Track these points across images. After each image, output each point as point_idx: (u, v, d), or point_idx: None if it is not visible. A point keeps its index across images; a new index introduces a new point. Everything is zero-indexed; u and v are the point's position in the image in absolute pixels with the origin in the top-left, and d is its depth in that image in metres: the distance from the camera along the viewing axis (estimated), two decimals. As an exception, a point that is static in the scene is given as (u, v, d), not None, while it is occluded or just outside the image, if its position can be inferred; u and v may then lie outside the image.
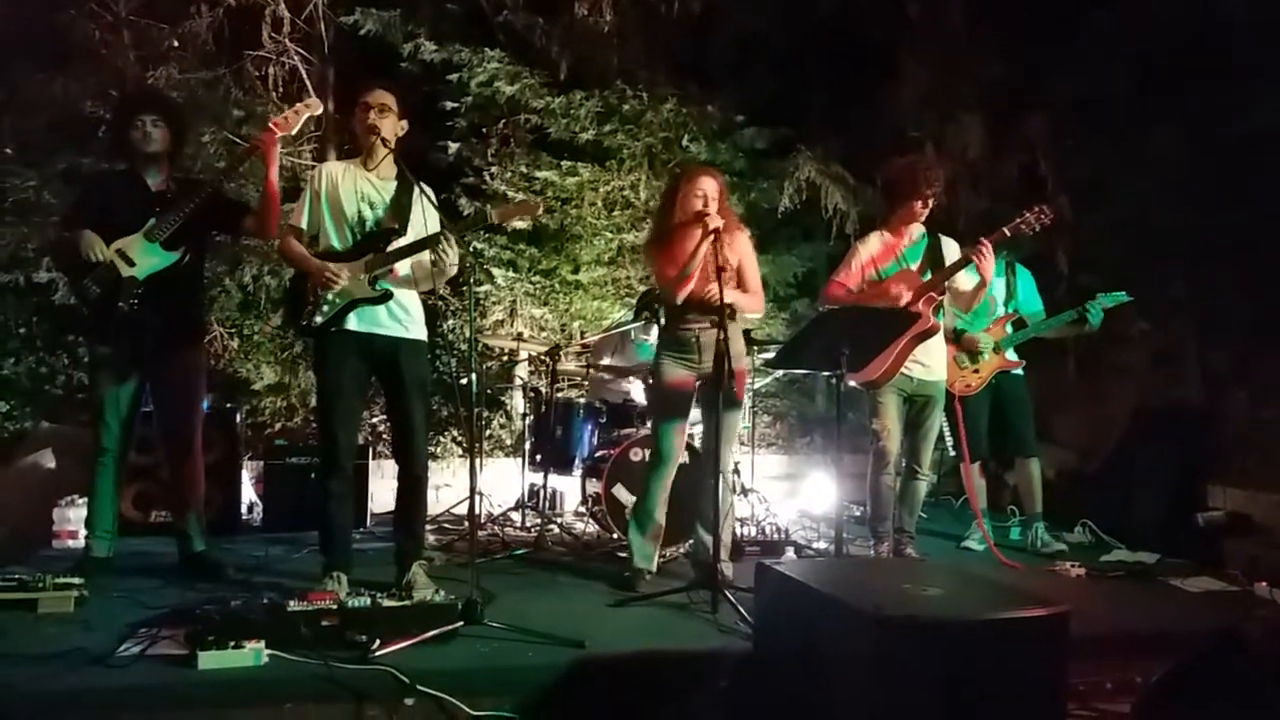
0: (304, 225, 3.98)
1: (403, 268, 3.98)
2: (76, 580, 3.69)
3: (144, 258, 4.09)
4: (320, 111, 4.30)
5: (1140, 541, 5.26)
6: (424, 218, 3.99)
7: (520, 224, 7.81)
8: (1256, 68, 5.38)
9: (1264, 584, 4.37)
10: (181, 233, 4.13)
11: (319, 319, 3.89)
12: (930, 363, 4.66)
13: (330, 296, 3.87)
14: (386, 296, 3.91)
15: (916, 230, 4.71)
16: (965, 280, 4.63)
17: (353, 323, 3.90)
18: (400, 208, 3.97)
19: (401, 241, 3.91)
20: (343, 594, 3.54)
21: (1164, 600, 4.36)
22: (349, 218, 3.94)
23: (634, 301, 6.48)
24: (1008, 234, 4.48)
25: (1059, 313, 5.26)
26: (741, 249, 4.36)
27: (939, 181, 4.63)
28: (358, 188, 3.98)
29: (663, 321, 4.49)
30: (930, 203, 4.61)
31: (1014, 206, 4.72)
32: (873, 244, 4.74)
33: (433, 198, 4.01)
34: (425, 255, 3.92)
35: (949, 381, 4.89)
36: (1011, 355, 5.28)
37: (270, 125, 4.18)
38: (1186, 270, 5.97)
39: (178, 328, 4.25)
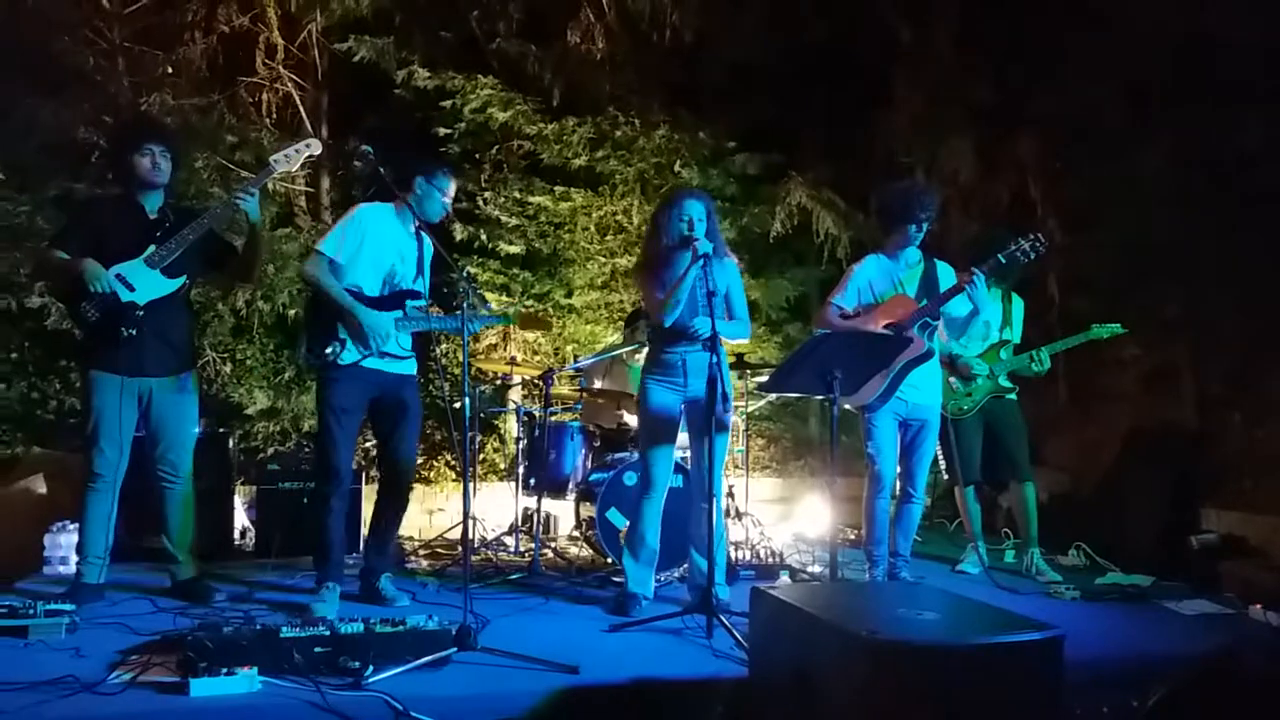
0: (339, 258, 4.13)
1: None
2: (68, 607, 3.66)
3: (145, 284, 4.10)
4: (320, 151, 4.39)
5: (1135, 564, 5.26)
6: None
7: (513, 249, 7.86)
8: (1247, 87, 5.41)
9: (1259, 606, 4.37)
10: (180, 260, 4.16)
11: (345, 359, 4.09)
12: (924, 387, 4.66)
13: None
14: (411, 354, 4.25)
15: (913, 255, 4.73)
16: (958, 306, 4.65)
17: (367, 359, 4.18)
18: (420, 265, 4.30)
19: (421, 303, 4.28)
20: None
21: (1159, 623, 4.35)
22: (383, 267, 4.19)
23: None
24: (1003, 261, 4.52)
25: (1051, 338, 5.29)
26: (729, 275, 4.39)
27: (933, 207, 4.65)
28: (397, 241, 4.25)
29: (648, 345, 4.50)
30: (924, 228, 4.63)
31: (1005, 230, 4.75)
32: (869, 267, 4.76)
33: (448, 258, 4.25)
34: None
35: (941, 405, 4.90)
36: (1004, 380, 5.30)
37: (270, 162, 4.28)
38: (1180, 292, 5.99)
39: (173, 353, 4.26)
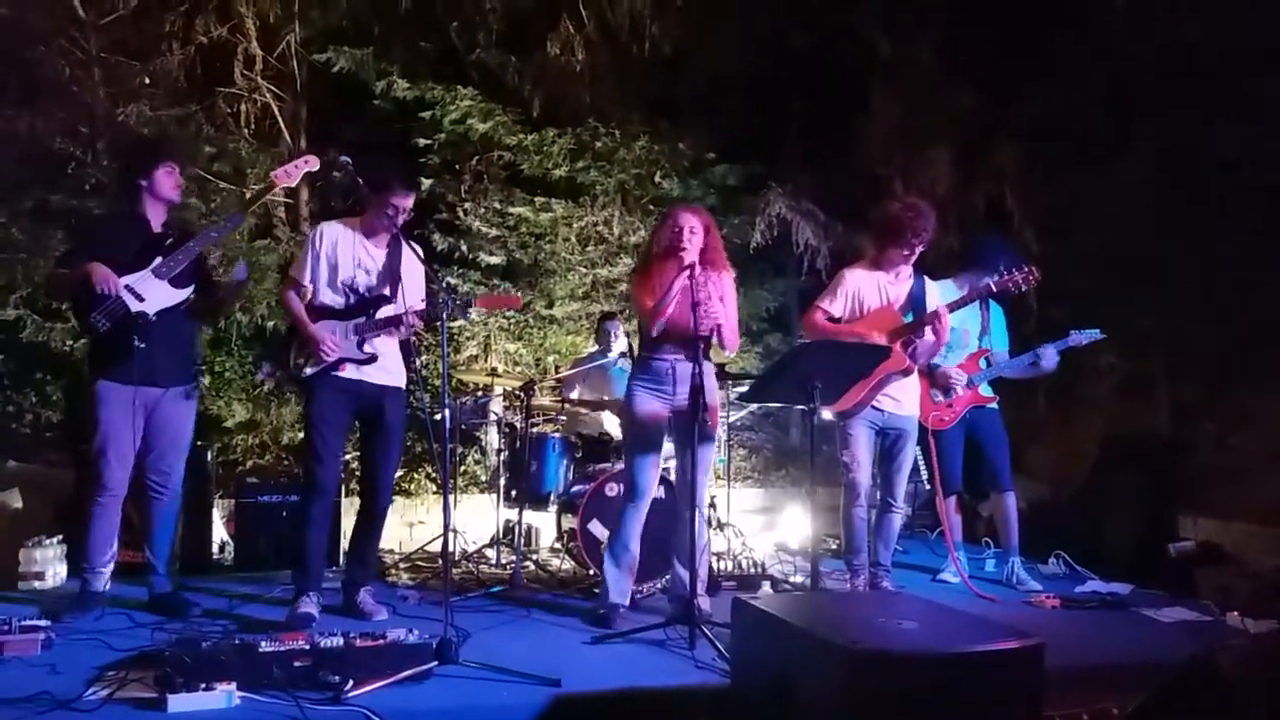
0: (306, 282, 4.22)
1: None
2: (43, 623, 3.62)
3: (154, 294, 4.11)
4: (318, 167, 4.44)
5: (1114, 572, 5.29)
6: (421, 283, 4.37)
7: (493, 259, 7.85)
8: (1224, 97, 5.47)
9: (1236, 613, 4.40)
10: (186, 273, 4.20)
11: (309, 370, 4.15)
12: (902, 399, 4.69)
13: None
14: (373, 359, 4.22)
15: (905, 270, 4.75)
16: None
17: (343, 369, 4.18)
18: (392, 274, 4.26)
19: (390, 310, 4.21)
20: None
21: (1138, 631, 4.38)
22: (344, 279, 4.24)
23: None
24: (994, 289, 4.71)
25: (1027, 348, 5.32)
26: (724, 287, 4.39)
27: (928, 231, 4.63)
28: (355, 253, 4.27)
29: (637, 352, 4.51)
30: (917, 250, 4.64)
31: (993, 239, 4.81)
32: (860, 275, 4.77)
33: (424, 266, 4.35)
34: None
35: (922, 415, 4.92)
36: (985, 390, 5.32)
37: (271, 178, 4.36)
38: (1156, 301, 6.04)
39: (179, 366, 4.28)
